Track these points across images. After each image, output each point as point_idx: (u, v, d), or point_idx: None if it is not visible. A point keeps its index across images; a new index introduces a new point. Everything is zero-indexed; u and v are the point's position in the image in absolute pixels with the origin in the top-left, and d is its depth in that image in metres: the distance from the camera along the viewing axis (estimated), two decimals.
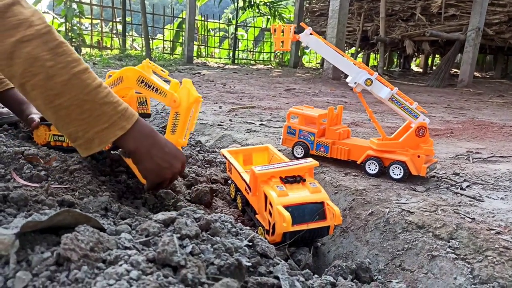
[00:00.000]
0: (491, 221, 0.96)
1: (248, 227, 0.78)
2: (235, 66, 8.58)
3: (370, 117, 1.29)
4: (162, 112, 2.48)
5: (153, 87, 1.04)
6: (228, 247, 0.65)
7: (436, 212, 1.00)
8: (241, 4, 10.90)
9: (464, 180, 1.27)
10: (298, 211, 0.93)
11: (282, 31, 1.25)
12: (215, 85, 4.53)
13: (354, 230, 1.05)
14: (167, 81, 1.09)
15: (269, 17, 11.66)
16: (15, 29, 0.70)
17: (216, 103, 3.03)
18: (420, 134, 1.23)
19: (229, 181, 1.29)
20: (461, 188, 1.19)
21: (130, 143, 0.84)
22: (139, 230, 0.65)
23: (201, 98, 1.05)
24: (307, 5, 9.62)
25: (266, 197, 0.97)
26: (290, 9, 11.45)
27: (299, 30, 1.19)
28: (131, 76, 1.06)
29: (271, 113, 2.60)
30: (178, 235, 0.64)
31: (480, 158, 1.60)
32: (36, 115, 1.26)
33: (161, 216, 0.69)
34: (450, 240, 0.89)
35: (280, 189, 0.95)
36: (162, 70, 1.13)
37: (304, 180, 1.00)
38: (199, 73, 6.00)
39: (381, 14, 7.32)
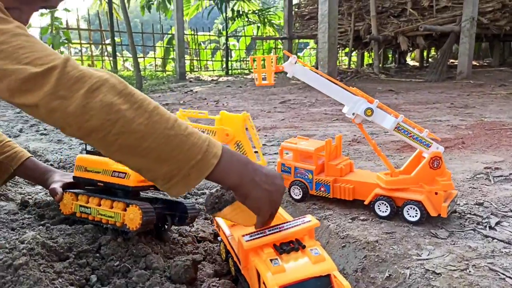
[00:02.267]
0: None
1: None
2: (229, 78, 8.44)
3: (375, 150, 1.11)
4: None
5: (200, 130, 0.93)
6: None
7: (468, 270, 0.82)
8: (230, 14, 10.80)
9: (491, 214, 1.09)
10: None
11: (263, 62, 1.08)
12: (207, 103, 4.38)
13: None
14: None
15: (259, 25, 11.56)
16: (80, 80, 0.66)
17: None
18: (435, 166, 1.05)
19: (219, 238, 1.12)
20: (490, 227, 1.01)
21: (232, 175, 0.75)
22: None
23: (246, 113, 1.04)
24: (296, 9, 9.49)
25: (259, 273, 0.79)
26: (279, 14, 11.35)
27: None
28: None
29: (265, 135, 2.43)
30: None
31: (501, 176, 1.42)
32: (57, 184, 1.13)
33: None
34: None
35: (275, 264, 0.77)
36: (200, 113, 1.09)
37: (304, 247, 0.82)
38: (191, 90, 5.85)
39: (371, 12, 7.18)
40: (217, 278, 0.96)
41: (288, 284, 0.75)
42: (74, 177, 1.12)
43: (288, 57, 1.06)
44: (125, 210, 0.98)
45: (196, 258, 0.92)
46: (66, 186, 1.13)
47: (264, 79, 1.12)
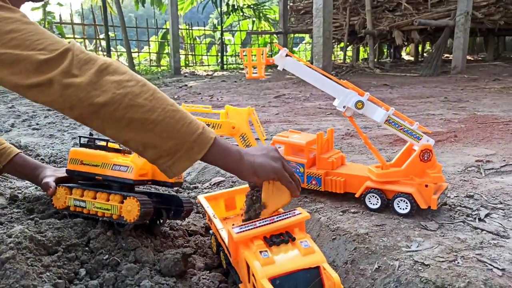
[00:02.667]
0: None
1: None
2: (224, 73, 8.40)
3: (365, 143, 1.11)
4: None
5: (205, 124, 0.94)
6: None
7: (456, 261, 0.82)
8: (224, 9, 10.73)
9: (481, 206, 1.09)
10: (288, 283, 0.75)
11: (253, 56, 1.07)
12: (202, 98, 4.36)
13: None
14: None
15: (254, 19, 11.51)
16: (90, 62, 0.73)
17: None
18: (425, 158, 1.05)
19: (210, 231, 1.12)
20: (479, 219, 1.02)
21: (232, 154, 0.82)
22: None
23: (251, 108, 1.08)
24: (291, 4, 9.45)
25: (248, 265, 0.79)
26: (274, 9, 11.30)
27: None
28: None
29: None
30: None
31: (492, 168, 1.43)
32: (50, 179, 1.11)
33: None
34: None
35: (265, 256, 0.77)
36: (205, 107, 1.10)
37: (294, 239, 0.82)
38: (186, 85, 5.82)
39: (366, 7, 7.17)
40: (208, 271, 0.96)
41: (277, 275, 0.75)
42: (67, 171, 1.08)
43: None
44: (122, 202, 0.97)
45: (186, 251, 0.92)
46: (58, 181, 1.12)
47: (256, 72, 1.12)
